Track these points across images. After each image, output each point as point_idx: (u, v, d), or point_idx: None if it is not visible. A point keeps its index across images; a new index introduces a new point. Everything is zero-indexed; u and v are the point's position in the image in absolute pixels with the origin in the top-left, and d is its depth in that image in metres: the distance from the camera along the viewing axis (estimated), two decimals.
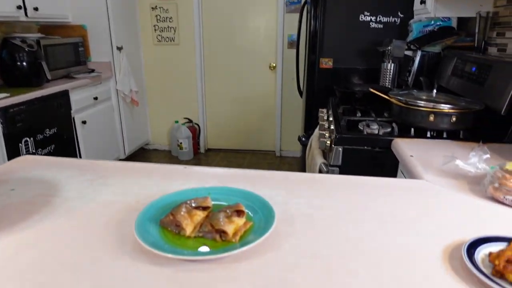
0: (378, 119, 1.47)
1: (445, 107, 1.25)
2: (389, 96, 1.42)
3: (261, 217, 0.71)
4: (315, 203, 0.81)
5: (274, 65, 3.68)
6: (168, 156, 3.90)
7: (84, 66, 3.17)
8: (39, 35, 2.80)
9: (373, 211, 0.77)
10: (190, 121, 3.91)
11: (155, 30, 3.71)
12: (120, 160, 3.52)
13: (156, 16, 3.68)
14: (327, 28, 2.49)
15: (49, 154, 2.52)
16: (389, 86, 2.09)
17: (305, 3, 2.93)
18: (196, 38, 3.67)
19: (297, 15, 3.42)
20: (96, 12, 3.13)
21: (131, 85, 3.43)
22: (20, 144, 2.26)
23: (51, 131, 2.54)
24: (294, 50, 3.53)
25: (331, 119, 1.72)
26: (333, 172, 1.35)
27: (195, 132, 3.88)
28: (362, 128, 1.39)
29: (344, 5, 2.41)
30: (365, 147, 1.33)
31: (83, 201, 0.82)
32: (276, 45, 3.61)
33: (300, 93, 3.24)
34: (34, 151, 2.38)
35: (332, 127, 1.54)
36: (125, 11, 3.41)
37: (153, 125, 4.05)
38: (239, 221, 0.67)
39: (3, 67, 2.48)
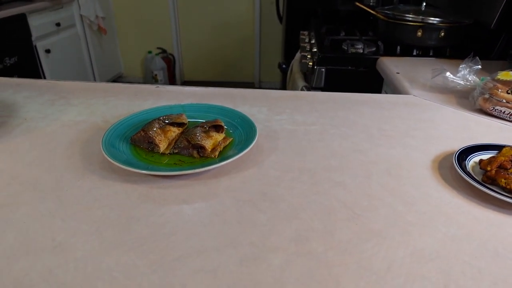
0: (363, 37, 1.38)
1: (435, 21, 1.17)
2: (375, 11, 1.32)
3: (241, 133, 0.65)
4: (298, 119, 0.76)
5: None
6: None
7: None
8: None
9: (360, 126, 0.73)
10: (164, 51, 3.68)
11: None
12: None
13: None
14: None
15: None
16: (374, 5, 1.97)
17: None
18: None
19: None
20: None
21: (96, 10, 3.14)
22: None
23: (11, 60, 2.33)
24: None
25: (313, 41, 1.62)
26: None
27: (170, 63, 3.68)
28: (346, 48, 1.31)
29: None
30: (349, 67, 1.26)
31: (44, 122, 0.74)
32: None
33: (280, 18, 3.05)
34: None
35: (314, 49, 1.45)
36: None
37: (125, 56, 3.80)
38: (218, 137, 0.62)
39: None
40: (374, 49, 1.31)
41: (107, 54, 3.51)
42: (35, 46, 2.57)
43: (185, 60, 3.82)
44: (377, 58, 1.22)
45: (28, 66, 2.50)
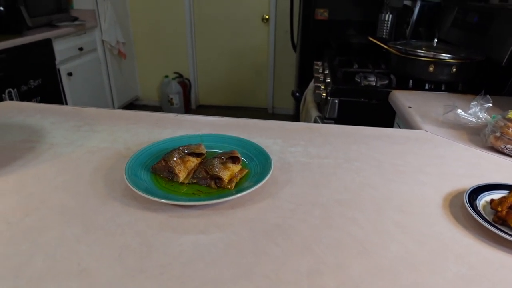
0: (376, 70, 1.42)
1: (446, 57, 1.20)
2: (387, 46, 1.36)
3: (257, 164, 0.68)
4: (312, 152, 0.78)
5: (267, 17, 3.53)
6: (159, 112, 3.82)
7: (67, 14, 2.99)
8: None
9: (372, 160, 0.75)
10: (180, 76, 3.79)
11: None
12: None
13: None
14: None
15: None
16: (387, 38, 2.02)
17: None
18: None
19: None
20: None
21: (117, 36, 3.27)
22: (3, 95, 2.17)
23: (35, 82, 2.43)
24: (288, 1, 3.37)
25: (326, 71, 1.67)
26: None
27: (186, 87, 3.78)
28: (359, 80, 1.35)
29: None
30: (362, 99, 1.29)
31: (70, 147, 0.78)
32: None
33: (294, 47, 3.13)
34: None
35: (328, 79, 1.49)
36: None
37: (143, 80, 3.92)
38: (235, 168, 0.64)
39: None
40: (386, 82, 1.34)
41: (126, 77, 3.62)
42: (58, 69, 2.68)
43: (200, 84, 3.91)
44: (390, 91, 1.25)
45: (50, 88, 2.60)
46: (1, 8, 2.28)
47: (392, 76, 1.32)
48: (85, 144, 0.80)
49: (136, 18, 3.65)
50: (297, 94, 2.25)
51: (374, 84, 1.31)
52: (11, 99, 2.23)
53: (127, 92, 3.69)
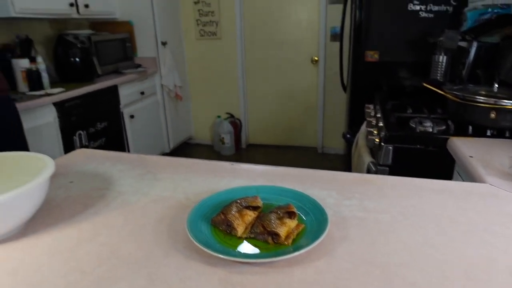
0: (432, 116, 1.39)
1: (509, 103, 1.15)
2: (444, 91, 1.33)
3: (313, 220, 0.69)
4: (368, 206, 0.77)
5: (316, 58, 3.61)
6: (210, 151, 3.96)
7: (131, 62, 3.28)
8: (90, 31, 2.92)
9: (432, 217, 0.73)
10: (232, 116, 3.94)
11: (197, 24, 3.76)
12: (165, 154, 3.63)
13: (199, 10, 3.72)
14: (373, 19, 2.39)
15: (100, 146, 2.64)
16: (442, 80, 1.97)
17: None
18: (237, 32, 3.67)
19: (340, 7, 3.31)
20: (141, 8, 3.21)
21: (175, 80, 3.51)
22: (74, 137, 2.39)
23: (102, 125, 2.65)
24: (337, 43, 3.44)
25: (379, 115, 1.65)
26: (382, 172, 1.29)
27: (237, 127, 3.90)
28: (414, 126, 1.32)
29: None
30: (418, 146, 1.26)
31: (136, 196, 0.84)
32: (318, 38, 3.53)
33: (344, 88, 3.15)
34: (86, 143, 2.51)
35: (380, 123, 1.48)
36: (169, 6, 3.48)
37: (196, 120, 4.12)
38: (291, 223, 0.65)
39: (58, 63, 2.62)
40: (444, 127, 1.30)
41: (181, 118, 3.83)
42: (122, 112, 2.91)
43: (250, 124, 4.02)
44: (448, 138, 1.21)
45: (114, 130, 2.82)
46: (78, 60, 2.56)
47: (449, 122, 1.28)
48: (149, 192, 0.86)
49: (191, 63, 3.90)
50: (348, 136, 2.24)
51: (431, 130, 1.27)
52: (80, 140, 2.44)
53: (182, 132, 3.89)
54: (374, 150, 1.46)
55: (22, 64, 2.29)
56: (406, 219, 0.72)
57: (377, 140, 1.37)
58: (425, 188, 0.85)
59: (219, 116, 3.91)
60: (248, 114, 3.99)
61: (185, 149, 4.02)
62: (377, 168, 1.32)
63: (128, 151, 3.01)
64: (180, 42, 3.76)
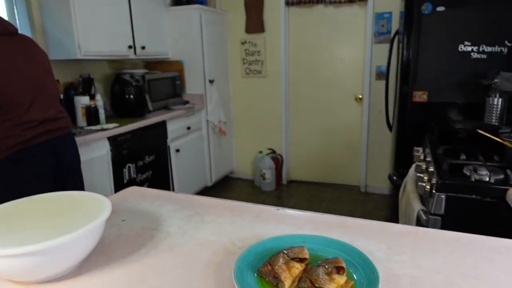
0: (488, 163, 1.31)
1: None
2: (501, 139, 1.27)
3: (362, 276, 0.66)
4: (421, 263, 0.73)
5: (360, 96, 3.58)
6: (251, 186, 3.98)
7: (180, 98, 3.44)
8: (144, 70, 3.13)
9: (493, 280, 0.67)
10: (273, 151, 3.96)
11: (243, 63, 3.90)
12: (207, 187, 3.69)
13: (245, 50, 3.87)
14: (422, 59, 2.35)
15: (146, 179, 2.75)
16: (497, 124, 1.88)
17: (397, 33, 2.84)
18: (282, 71, 3.76)
19: (386, 46, 3.32)
20: (192, 49, 3.40)
21: (220, 116, 3.62)
22: (124, 169, 2.51)
23: (149, 158, 2.77)
24: (382, 82, 3.41)
25: (428, 159, 1.59)
26: (434, 222, 1.23)
27: (278, 163, 3.91)
28: (468, 174, 1.26)
29: (441, 35, 2.27)
30: (473, 196, 1.19)
31: (183, 238, 0.85)
32: (363, 76, 3.53)
33: (390, 127, 3.08)
34: (135, 176, 2.62)
35: (431, 169, 1.42)
36: (218, 46, 3.66)
37: (238, 155, 4.18)
38: (340, 279, 0.63)
39: (114, 99, 2.81)
40: (502, 177, 1.22)
41: (224, 152, 3.91)
42: (169, 146, 3.02)
43: (292, 160, 4.02)
44: (507, 189, 1.13)
45: (161, 163, 2.92)
46: (132, 97, 2.73)
47: (508, 172, 1.21)
48: (196, 235, 0.87)
49: (236, 99, 4.02)
50: (395, 178, 2.17)
51: (487, 179, 1.20)
52: (129, 173, 2.56)
53: (224, 166, 3.95)
54: (424, 197, 1.40)
55: (83, 101, 2.48)
56: (464, 281, 0.67)
57: (428, 187, 1.31)
58: (485, 246, 0.80)
59: (261, 152, 3.94)
60: (290, 150, 4.00)
61: (226, 182, 4.07)
62: (428, 217, 1.26)
63: (172, 184, 3.10)
64: (226, 80, 3.91)
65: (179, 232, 0.89)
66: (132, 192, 1.17)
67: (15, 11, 2.42)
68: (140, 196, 1.13)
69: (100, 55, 2.61)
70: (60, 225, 0.74)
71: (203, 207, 1.04)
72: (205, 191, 3.71)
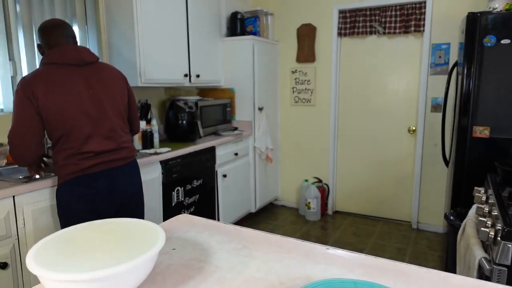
0: None
1: None
2: None
3: None
4: None
5: (413, 128, 3.45)
6: (295, 214, 3.91)
7: (229, 124, 3.52)
8: (197, 97, 3.26)
9: None
10: (319, 181, 3.89)
11: (293, 91, 3.94)
12: (251, 213, 3.68)
13: (295, 79, 3.91)
14: (483, 92, 2.23)
15: (194, 203, 2.80)
16: None
17: (455, 64, 2.73)
18: (331, 100, 3.74)
19: (442, 77, 3.19)
20: (243, 77, 3.50)
21: (267, 143, 3.65)
22: (173, 192, 2.58)
23: (197, 182, 2.84)
24: (438, 114, 3.27)
25: (491, 201, 1.48)
26: (499, 272, 1.12)
27: (324, 192, 3.83)
28: None
29: (504, 68, 2.15)
30: None
31: (231, 273, 0.85)
32: (417, 108, 3.40)
33: (446, 162, 2.92)
34: (182, 199, 2.69)
35: (495, 212, 1.31)
36: (268, 75, 3.73)
37: (283, 182, 4.16)
38: None
39: (168, 124, 2.93)
40: None
41: (269, 179, 3.91)
42: (216, 171, 3.08)
43: (338, 191, 3.91)
44: None
45: (208, 187, 2.98)
46: (185, 122, 2.84)
47: None
48: (244, 271, 0.86)
49: (284, 127, 4.04)
50: (452, 218, 2.03)
51: None
52: (177, 196, 2.63)
53: (269, 193, 3.94)
54: (487, 244, 1.29)
55: (141, 126, 2.62)
56: None
57: (492, 233, 1.21)
58: None
59: (306, 180, 3.89)
60: (337, 180, 3.91)
61: (270, 209, 4.04)
62: (493, 266, 1.16)
63: (218, 208, 3.13)
64: (275, 107, 3.95)
65: (227, 266, 0.89)
66: (182, 220, 1.19)
67: (88, 43, 2.66)
68: (189, 225, 1.15)
69: (158, 83, 2.77)
70: (115, 253, 0.77)
71: (251, 240, 1.03)
72: (249, 217, 3.71)
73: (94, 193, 1.65)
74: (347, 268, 0.88)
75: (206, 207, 2.98)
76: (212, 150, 3.01)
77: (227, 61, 3.54)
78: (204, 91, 3.71)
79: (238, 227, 1.13)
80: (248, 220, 3.68)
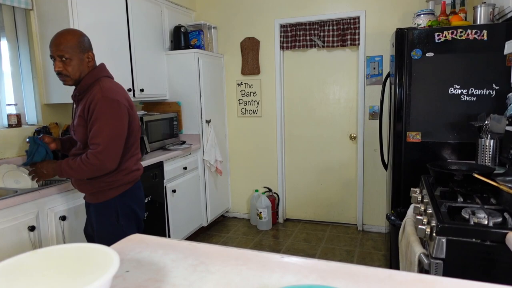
0: (485, 206, 1.34)
1: None
2: (497, 183, 1.30)
3: None
4: None
5: (354, 135, 3.66)
6: (247, 225, 3.93)
7: (177, 138, 3.47)
8: (143, 112, 3.18)
9: None
10: (269, 190, 3.96)
11: (239, 103, 3.99)
12: (203, 227, 3.64)
13: (241, 91, 3.97)
14: (414, 100, 2.44)
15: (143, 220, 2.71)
16: (490, 165, 1.93)
17: (388, 75, 2.95)
18: (277, 111, 3.84)
19: (377, 87, 3.43)
20: (189, 90, 3.48)
21: (216, 155, 3.64)
22: None
23: (146, 200, 2.74)
24: (375, 121, 3.50)
25: (426, 200, 1.62)
26: (436, 266, 1.23)
27: (274, 201, 3.90)
28: (467, 217, 1.28)
29: (431, 78, 2.37)
30: (474, 240, 1.20)
31: None
32: (357, 116, 3.62)
33: (385, 165, 3.13)
34: None
35: (429, 210, 1.44)
36: (214, 87, 3.75)
37: (234, 193, 4.17)
38: None
39: None
40: (500, 219, 1.24)
41: (219, 191, 3.90)
42: (165, 187, 3.01)
43: (288, 199, 4.01)
44: (506, 233, 1.15)
45: (157, 204, 2.90)
46: None
47: (506, 215, 1.23)
48: (202, 287, 0.86)
49: (232, 139, 4.07)
50: (393, 218, 2.17)
51: (486, 222, 1.22)
52: None
53: (220, 205, 3.92)
54: (424, 240, 1.41)
55: None
56: None
57: (428, 230, 1.32)
58: None
59: (256, 190, 3.94)
60: (286, 189, 4.00)
61: (222, 222, 4.02)
62: (430, 260, 1.26)
63: (168, 224, 3.05)
64: (222, 120, 3.97)
65: (185, 284, 0.88)
66: (134, 240, 1.16)
67: (19, 59, 2.49)
68: (142, 244, 1.12)
69: None
70: (65, 282, 0.73)
71: (207, 255, 1.03)
72: (201, 231, 3.66)
73: (143, 197, 1.90)
74: (302, 274, 0.91)
75: (156, 224, 2.90)
76: (160, 165, 2.94)
77: (172, 74, 3.51)
78: (149, 105, 3.63)
79: (193, 243, 1.12)
80: (200, 235, 3.63)
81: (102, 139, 1.59)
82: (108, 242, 1.01)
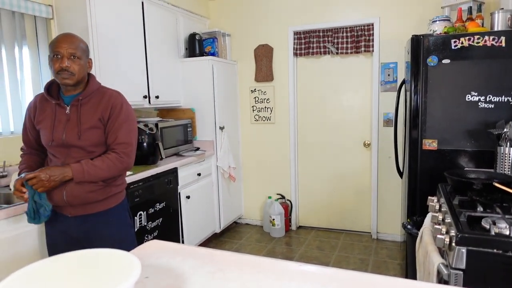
0: (507, 216, 1.31)
1: None
2: None
3: None
4: None
5: (368, 142, 3.63)
6: (260, 232, 3.92)
7: (191, 145, 3.50)
8: (158, 118, 3.22)
9: None
10: (282, 197, 3.95)
11: (253, 110, 4.00)
12: (216, 234, 3.64)
13: (255, 98, 3.99)
14: (430, 107, 2.41)
15: (157, 227, 2.73)
16: (510, 173, 1.89)
17: (403, 82, 2.93)
18: (290, 117, 3.84)
19: (392, 94, 3.40)
20: (203, 97, 3.51)
21: (229, 162, 3.66)
22: (135, 218, 2.51)
23: (160, 205, 2.77)
24: (390, 128, 3.46)
25: (444, 209, 1.59)
26: (456, 276, 1.21)
27: (287, 208, 3.88)
28: (487, 226, 1.25)
29: (447, 85, 2.34)
30: (495, 250, 1.18)
31: None
32: (371, 123, 3.59)
33: (400, 173, 3.09)
34: (145, 224, 2.61)
35: (448, 220, 1.41)
36: (228, 94, 3.78)
37: (247, 200, 4.17)
38: None
39: None
40: None
41: (232, 198, 3.90)
42: (179, 193, 3.03)
43: (301, 206, 3.99)
44: None
45: (171, 210, 2.92)
46: (145, 145, 2.79)
47: None
48: None
49: (245, 145, 4.08)
50: (409, 226, 2.14)
51: (508, 233, 1.20)
52: (140, 221, 2.55)
53: (233, 211, 3.93)
54: (443, 250, 1.38)
55: None
56: None
57: (447, 240, 1.30)
58: None
59: (270, 197, 3.93)
60: (299, 196, 3.98)
61: (234, 228, 4.02)
62: (450, 271, 1.24)
63: (182, 231, 3.07)
64: (236, 126, 3.99)
65: None
66: (153, 247, 1.17)
67: (40, 66, 2.56)
68: (160, 250, 1.13)
69: None
70: (90, 286, 0.74)
71: (224, 262, 1.04)
72: (214, 238, 3.66)
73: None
74: (320, 283, 0.91)
75: (170, 230, 2.92)
76: (174, 171, 2.97)
77: (187, 81, 3.55)
78: (163, 112, 3.68)
79: (210, 250, 1.13)
80: (213, 241, 3.63)
81: (132, 139, 1.68)
82: (130, 243, 1.04)
